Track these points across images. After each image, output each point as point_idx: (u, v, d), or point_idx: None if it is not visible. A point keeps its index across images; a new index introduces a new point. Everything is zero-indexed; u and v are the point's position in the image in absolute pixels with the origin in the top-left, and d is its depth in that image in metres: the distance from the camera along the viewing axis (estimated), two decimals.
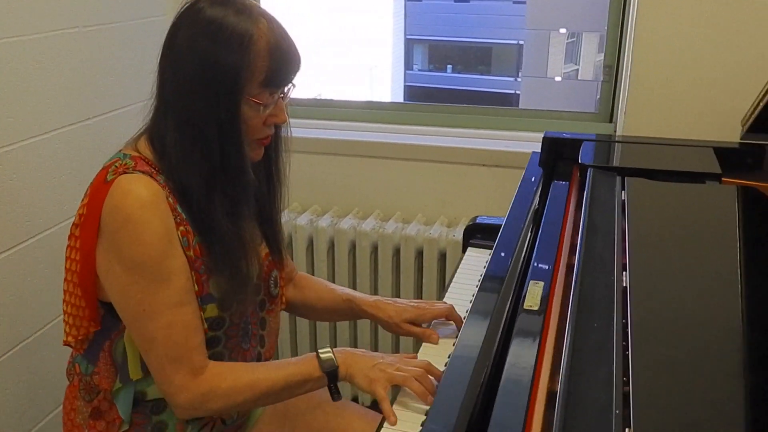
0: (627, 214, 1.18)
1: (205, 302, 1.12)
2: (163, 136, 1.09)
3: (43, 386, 1.73)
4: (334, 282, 2.11)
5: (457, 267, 1.58)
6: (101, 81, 1.79)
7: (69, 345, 1.21)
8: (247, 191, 1.12)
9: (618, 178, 1.36)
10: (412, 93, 12.81)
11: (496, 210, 1.84)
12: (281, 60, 1.07)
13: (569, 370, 0.80)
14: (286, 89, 1.12)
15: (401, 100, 13.10)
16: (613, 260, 1.05)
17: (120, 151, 1.13)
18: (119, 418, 1.16)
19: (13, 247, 1.61)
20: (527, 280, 1.09)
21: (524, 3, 11.98)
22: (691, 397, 0.77)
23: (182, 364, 1.08)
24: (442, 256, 2.02)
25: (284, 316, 1.98)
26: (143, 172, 1.06)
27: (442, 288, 2.05)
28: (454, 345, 1.16)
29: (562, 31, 11.50)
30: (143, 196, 1.04)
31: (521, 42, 12.11)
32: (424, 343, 1.25)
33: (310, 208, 2.18)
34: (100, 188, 1.06)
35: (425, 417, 1.03)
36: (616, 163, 1.49)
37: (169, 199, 1.07)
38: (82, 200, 1.11)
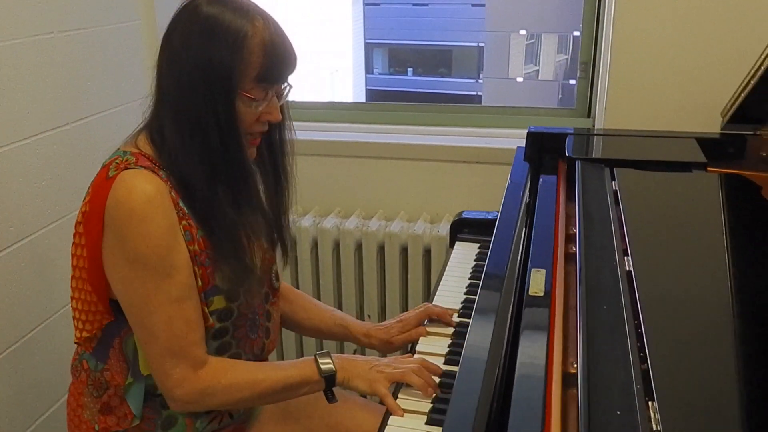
0: (621, 203, 1.22)
1: (212, 294, 1.14)
2: (162, 130, 1.10)
3: (32, 390, 1.70)
4: (319, 282, 2.13)
5: (448, 260, 1.61)
6: (79, 86, 1.76)
7: (79, 343, 1.21)
8: (248, 182, 1.14)
9: (607, 170, 1.40)
10: (374, 96, 12.86)
11: (478, 205, 1.87)
12: (275, 57, 1.08)
13: (587, 351, 0.83)
14: (283, 88, 1.14)
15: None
16: (614, 247, 1.09)
17: (119, 148, 1.14)
18: (130, 413, 1.17)
19: None
20: (528, 269, 1.12)
21: (483, 6, 12.13)
22: (703, 369, 0.81)
23: (182, 358, 1.09)
24: (427, 252, 2.04)
25: None
26: (145, 167, 1.07)
27: (428, 283, 2.08)
28: (450, 336, 1.20)
29: (522, 32, 11.68)
30: (147, 191, 1.05)
31: (481, 44, 12.27)
32: (420, 342, 1.29)
33: (292, 208, 2.17)
34: (102, 185, 1.07)
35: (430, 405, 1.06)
36: (603, 155, 1.53)
37: (172, 193, 1.08)
38: (84, 198, 1.12)
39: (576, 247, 1.16)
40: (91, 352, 1.19)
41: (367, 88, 12.83)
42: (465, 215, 1.72)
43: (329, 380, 1.16)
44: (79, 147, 1.77)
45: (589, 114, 2.04)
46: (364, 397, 1.28)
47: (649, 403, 0.73)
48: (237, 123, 1.09)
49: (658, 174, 1.35)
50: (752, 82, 1.37)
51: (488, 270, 1.20)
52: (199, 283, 1.11)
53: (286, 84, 1.15)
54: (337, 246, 2.09)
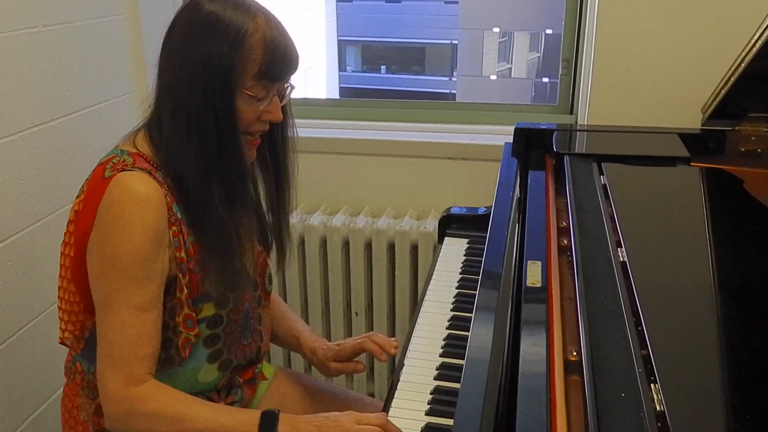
0: (611, 196, 1.25)
1: (201, 302, 1.13)
2: (160, 126, 1.10)
3: (20, 391, 1.68)
4: (306, 280, 2.14)
5: (437, 256, 1.63)
6: (64, 81, 1.75)
7: (64, 344, 1.21)
8: (244, 181, 1.14)
9: (594, 164, 1.44)
10: (347, 94, 12.85)
11: (463, 201, 1.90)
12: (276, 54, 1.08)
13: (589, 338, 0.86)
14: (285, 87, 1.14)
15: None
16: (606, 238, 1.12)
17: (117, 146, 1.13)
18: None
19: None
20: (525, 261, 1.15)
21: (456, 3, 12.20)
22: (699, 351, 0.85)
23: (120, 369, 1.05)
24: (414, 249, 2.06)
25: None
26: (142, 170, 1.07)
27: (415, 279, 2.10)
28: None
29: (495, 30, 11.77)
30: (140, 194, 1.05)
31: (455, 42, 12.33)
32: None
33: (292, 209, 2.18)
34: (98, 185, 1.07)
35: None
36: (590, 150, 1.57)
37: (167, 197, 1.07)
38: (78, 196, 1.11)
39: (568, 240, 1.19)
40: (81, 354, 1.18)
41: (341, 85, 12.83)
42: (453, 211, 1.74)
43: None
44: (65, 143, 1.76)
45: (571, 110, 2.08)
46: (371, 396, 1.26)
47: (652, 385, 0.76)
48: (235, 120, 1.09)
49: (645, 168, 1.39)
50: (732, 79, 1.42)
51: (486, 263, 1.22)
52: (186, 291, 1.10)
53: (287, 84, 1.15)
54: (324, 243, 2.11)
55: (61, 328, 1.17)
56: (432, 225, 2.02)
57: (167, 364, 1.14)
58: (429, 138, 2.11)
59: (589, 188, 1.33)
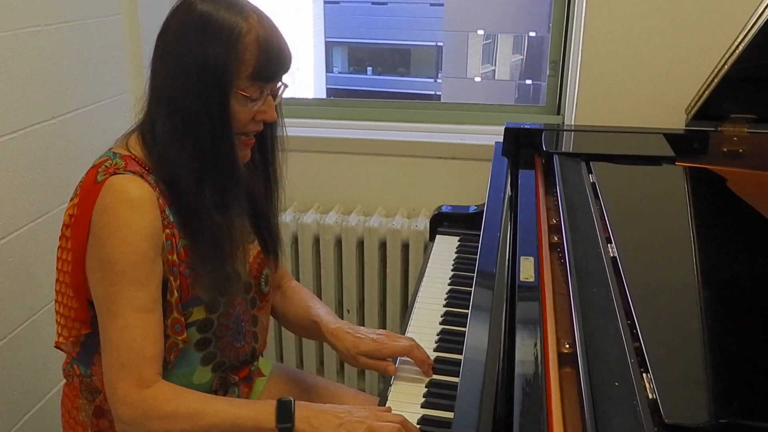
0: (600, 194, 1.29)
1: (191, 305, 1.13)
2: (154, 128, 1.09)
3: (17, 388, 1.69)
4: (298, 277, 2.17)
5: (429, 253, 1.66)
6: (65, 80, 1.76)
7: (60, 348, 1.20)
8: (237, 184, 1.13)
9: (583, 163, 1.48)
10: (334, 95, 12.85)
11: (453, 200, 1.93)
12: (270, 54, 1.08)
13: (582, 330, 0.89)
14: (277, 87, 1.14)
15: None
16: (597, 235, 1.16)
17: (110, 149, 1.13)
18: None
19: None
20: (517, 257, 1.18)
21: (441, 5, 12.26)
22: (687, 341, 0.89)
23: (129, 373, 1.05)
24: (405, 247, 2.09)
25: None
26: (134, 173, 1.07)
27: (406, 277, 2.13)
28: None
29: (480, 32, 11.84)
30: (133, 197, 1.05)
31: (440, 43, 12.39)
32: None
33: (282, 208, 2.20)
34: (91, 189, 1.06)
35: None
36: (578, 150, 1.61)
37: (160, 200, 1.08)
38: (72, 200, 1.11)
39: (559, 237, 1.23)
40: (77, 358, 1.19)
41: (328, 86, 12.84)
42: (444, 209, 1.77)
43: None
44: (65, 141, 1.77)
45: (558, 111, 2.12)
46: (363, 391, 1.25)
47: (644, 374, 0.79)
48: (230, 122, 1.08)
49: (632, 167, 1.44)
50: (715, 81, 1.46)
51: (480, 260, 1.25)
52: (176, 294, 1.10)
53: (280, 83, 1.14)
54: (317, 241, 2.13)
55: (57, 332, 1.17)
56: (423, 223, 2.05)
57: None
58: (419, 138, 2.14)
59: (578, 187, 1.37)
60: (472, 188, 1.99)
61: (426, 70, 13.00)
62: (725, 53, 1.40)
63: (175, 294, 1.10)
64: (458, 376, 1.01)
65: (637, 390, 0.77)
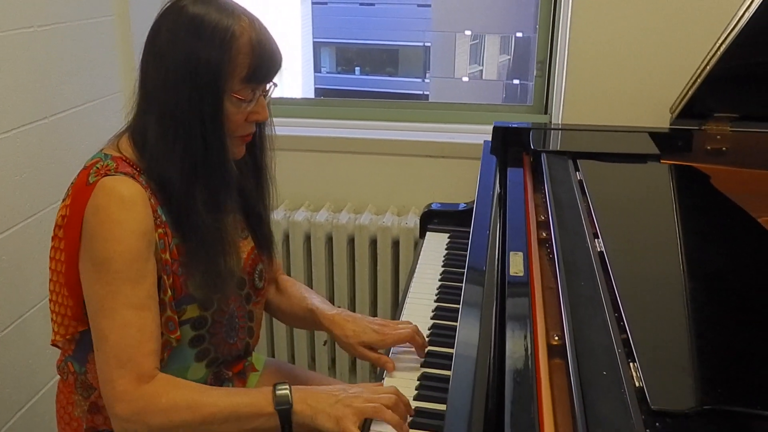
0: (587, 191, 1.32)
1: (184, 303, 1.14)
2: (145, 130, 1.10)
3: (9, 386, 1.70)
4: (290, 275, 2.18)
5: (420, 250, 1.69)
6: (58, 79, 1.77)
7: (56, 345, 1.21)
8: (229, 185, 1.14)
9: (570, 161, 1.51)
10: (322, 95, 12.85)
11: (442, 197, 1.95)
12: (263, 56, 1.10)
13: (571, 323, 0.92)
14: (267, 87, 1.15)
15: None
16: (584, 230, 1.18)
17: (101, 150, 1.13)
18: None
19: None
20: (507, 252, 1.20)
21: (429, 6, 12.29)
22: (673, 332, 0.92)
23: (129, 370, 1.05)
24: (396, 244, 2.11)
25: None
26: (125, 174, 1.08)
27: (397, 274, 2.15)
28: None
29: (467, 33, 11.89)
30: (125, 197, 1.06)
31: (427, 44, 12.42)
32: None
33: (272, 205, 2.22)
34: (83, 190, 1.07)
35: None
36: (565, 148, 1.64)
37: (151, 200, 1.09)
38: (63, 201, 1.12)
39: (547, 233, 1.25)
40: (72, 355, 1.19)
41: (316, 86, 12.83)
42: (434, 206, 1.80)
43: (284, 414, 1.05)
44: (58, 140, 1.78)
45: (545, 110, 2.15)
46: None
47: (631, 364, 0.82)
48: (222, 124, 1.09)
49: (618, 165, 1.47)
50: (698, 80, 1.50)
51: (471, 256, 1.28)
52: (170, 293, 1.10)
53: (270, 83, 1.15)
54: (308, 238, 2.15)
55: (53, 330, 1.17)
56: (413, 221, 2.07)
57: None
58: (409, 137, 2.17)
59: (566, 184, 1.40)
60: (461, 186, 2.02)
61: (414, 71, 13.03)
62: (708, 53, 1.43)
63: (169, 292, 1.11)
64: (450, 369, 1.04)
65: (624, 379, 0.80)
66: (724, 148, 1.61)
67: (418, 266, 1.59)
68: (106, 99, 1.96)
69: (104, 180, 1.06)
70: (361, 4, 12.96)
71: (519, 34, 11.67)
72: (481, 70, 12.39)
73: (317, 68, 13.11)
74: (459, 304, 1.19)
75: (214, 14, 1.07)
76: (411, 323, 1.26)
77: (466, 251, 1.33)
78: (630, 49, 1.80)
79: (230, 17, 1.07)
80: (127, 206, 1.05)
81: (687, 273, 1.07)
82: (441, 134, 2.18)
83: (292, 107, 2.30)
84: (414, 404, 1.11)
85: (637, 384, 0.79)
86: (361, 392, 1.06)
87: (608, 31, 1.80)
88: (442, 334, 1.30)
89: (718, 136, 1.61)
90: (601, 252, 1.09)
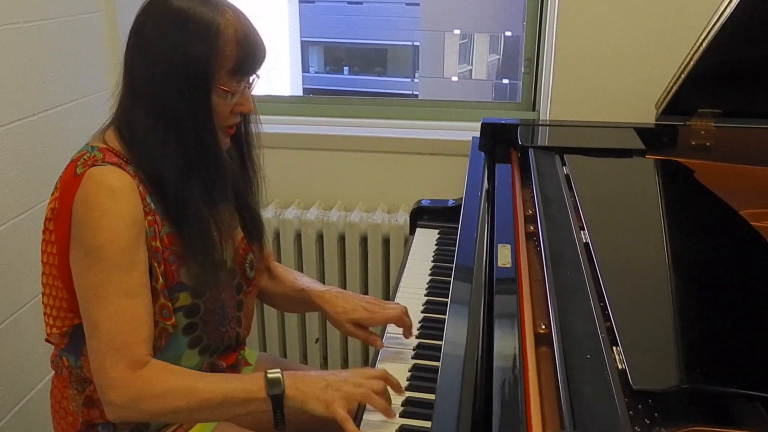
0: (574, 185, 1.35)
1: (177, 291, 1.15)
2: (132, 125, 1.11)
3: (3, 384, 1.71)
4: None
5: (410, 246, 1.71)
6: (45, 76, 1.78)
7: (50, 341, 1.22)
8: (223, 176, 1.16)
9: (557, 157, 1.53)
10: (311, 95, 12.83)
11: (432, 194, 1.97)
12: (249, 48, 1.12)
13: (557, 311, 0.94)
14: (251, 80, 1.17)
15: None
16: (570, 223, 1.21)
17: (87, 144, 1.15)
18: None
19: None
20: (495, 245, 1.23)
21: (417, 5, 12.33)
22: (653, 319, 0.95)
23: (122, 357, 1.06)
24: (386, 241, 2.14)
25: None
26: (112, 164, 1.09)
27: (387, 270, 2.17)
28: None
29: (456, 32, 11.93)
30: (114, 186, 1.07)
31: (416, 43, 12.47)
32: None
33: (261, 200, 2.23)
34: (70, 182, 1.09)
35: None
36: (552, 143, 1.66)
37: (140, 188, 1.10)
38: (53, 194, 1.13)
39: (535, 226, 1.28)
40: (66, 349, 1.20)
41: (304, 86, 12.84)
42: (424, 203, 1.82)
43: (276, 400, 1.06)
44: (47, 137, 1.79)
45: (533, 107, 2.18)
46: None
47: (614, 348, 0.85)
48: (212, 116, 1.11)
49: (604, 160, 1.50)
50: (682, 77, 1.53)
51: (460, 249, 1.30)
52: (161, 280, 1.12)
53: (254, 75, 1.17)
54: (298, 236, 2.17)
55: (48, 324, 1.18)
56: (403, 218, 2.09)
57: None
58: (399, 134, 2.19)
59: (553, 179, 1.42)
60: (450, 182, 2.04)
61: (403, 70, 13.08)
62: (690, 50, 1.46)
63: (161, 280, 1.12)
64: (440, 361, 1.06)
65: (607, 362, 0.82)
66: (708, 144, 1.64)
67: (408, 262, 1.62)
68: (94, 96, 1.97)
69: (92, 170, 1.07)
70: (349, 2, 12.99)
71: (508, 33, 11.73)
72: (471, 70, 12.45)
73: (305, 68, 13.13)
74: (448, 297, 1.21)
75: (200, 8, 1.08)
76: (400, 304, 1.29)
77: (456, 246, 1.35)
78: (616, 46, 1.83)
79: (215, 10, 1.09)
80: (116, 195, 1.07)
81: (669, 263, 1.10)
82: (430, 131, 2.20)
83: (283, 105, 2.32)
84: (406, 393, 1.13)
85: (619, 366, 0.81)
86: (350, 377, 1.08)
87: (594, 29, 1.83)
88: (433, 327, 1.32)
89: (703, 132, 1.64)
90: (587, 243, 1.12)
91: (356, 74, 13.29)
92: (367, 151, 2.19)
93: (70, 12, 1.87)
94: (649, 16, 1.79)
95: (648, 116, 1.71)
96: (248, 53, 1.12)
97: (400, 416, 1.07)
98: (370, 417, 1.07)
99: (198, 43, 1.07)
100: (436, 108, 2.29)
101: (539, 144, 1.64)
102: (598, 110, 1.85)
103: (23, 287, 1.74)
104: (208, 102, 1.10)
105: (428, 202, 1.83)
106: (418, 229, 1.78)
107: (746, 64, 1.52)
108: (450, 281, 1.26)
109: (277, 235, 2.17)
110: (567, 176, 1.42)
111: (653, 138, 1.63)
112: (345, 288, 2.19)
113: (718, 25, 1.34)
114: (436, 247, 1.67)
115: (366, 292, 2.20)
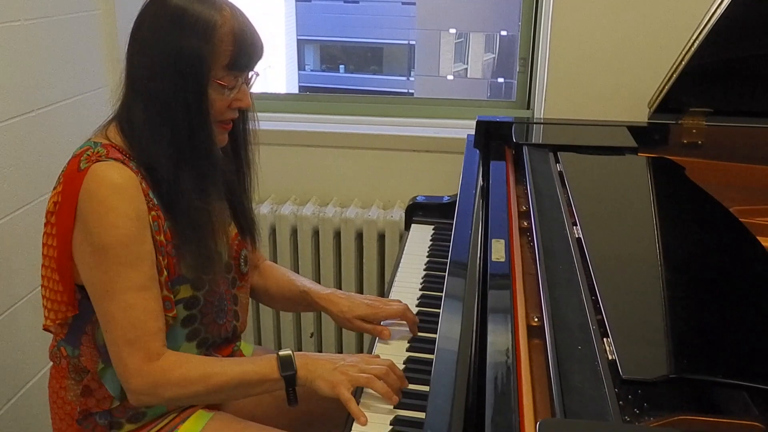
0: (567, 182, 1.37)
1: (178, 284, 1.18)
2: (132, 119, 1.14)
3: None
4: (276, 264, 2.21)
5: (405, 241, 1.73)
6: (44, 73, 1.79)
7: (48, 330, 1.24)
8: (215, 170, 1.18)
9: (551, 154, 1.56)
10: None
11: (427, 191, 1.99)
12: (245, 44, 1.14)
13: (550, 303, 0.96)
14: (250, 76, 1.19)
15: None
16: (563, 218, 1.23)
17: (90, 139, 1.17)
18: (109, 396, 1.20)
19: None
20: (489, 240, 1.25)
21: (413, 4, 12.34)
22: (643, 311, 0.98)
23: (138, 348, 1.11)
24: (381, 237, 2.15)
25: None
26: (116, 159, 1.11)
27: (383, 266, 2.19)
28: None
29: (452, 31, 11.95)
30: (117, 182, 1.09)
31: (412, 42, 12.48)
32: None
33: (254, 196, 2.24)
34: (74, 176, 1.10)
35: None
36: (546, 141, 1.69)
37: (143, 184, 1.12)
38: (55, 188, 1.15)
39: (528, 222, 1.30)
40: (65, 339, 1.22)
41: (300, 84, 12.85)
42: (419, 199, 1.84)
43: (289, 380, 1.13)
44: (45, 133, 1.80)
45: (528, 105, 2.20)
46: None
47: (604, 339, 0.87)
48: (207, 110, 1.13)
49: (597, 157, 1.52)
50: (674, 76, 1.55)
51: (455, 244, 1.32)
52: (165, 273, 1.14)
53: (252, 72, 1.19)
54: (294, 232, 2.18)
55: (45, 315, 1.20)
56: (398, 214, 2.11)
57: None
58: (394, 131, 2.20)
59: (546, 175, 1.44)
60: (445, 179, 2.07)
61: (398, 69, 13.09)
62: (682, 50, 1.48)
63: (165, 272, 1.15)
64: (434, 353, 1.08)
65: (598, 352, 0.85)
66: (699, 142, 1.67)
67: (403, 257, 1.63)
68: (92, 93, 1.98)
69: (95, 166, 1.09)
70: (345, 1, 12.99)
71: (503, 33, 11.76)
72: (466, 69, 12.47)
73: (301, 66, 13.13)
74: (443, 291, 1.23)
75: (196, 5, 1.11)
76: (401, 301, 1.34)
77: (450, 241, 1.37)
78: (609, 46, 1.85)
79: (212, 8, 1.11)
80: (120, 191, 1.09)
81: (659, 258, 1.12)
82: (426, 129, 2.22)
83: (279, 102, 2.34)
84: (408, 386, 1.14)
85: (610, 357, 0.84)
86: (357, 362, 1.14)
87: (588, 29, 1.85)
88: (428, 320, 1.33)
89: (694, 130, 1.67)
90: (579, 238, 1.14)
91: (352, 72, 13.30)
92: (363, 148, 2.20)
93: (69, 10, 1.88)
94: (642, 17, 1.81)
95: (641, 115, 1.74)
96: (244, 48, 1.14)
97: (394, 407, 1.10)
98: (367, 400, 1.11)
99: (193, 38, 1.09)
100: (432, 106, 2.31)
101: (533, 142, 1.66)
102: (592, 109, 1.87)
103: (20, 282, 1.75)
104: (202, 96, 1.12)
105: (423, 198, 1.85)
106: (413, 225, 1.80)
107: (737, 63, 1.54)
108: (444, 276, 1.28)
109: (273, 230, 2.18)
110: (560, 173, 1.44)
111: (646, 136, 1.65)
112: (341, 283, 2.21)
113: (709, 25, 1.36)
114: (431, 242, 1.69)
115: (361, 287, 2.22)
